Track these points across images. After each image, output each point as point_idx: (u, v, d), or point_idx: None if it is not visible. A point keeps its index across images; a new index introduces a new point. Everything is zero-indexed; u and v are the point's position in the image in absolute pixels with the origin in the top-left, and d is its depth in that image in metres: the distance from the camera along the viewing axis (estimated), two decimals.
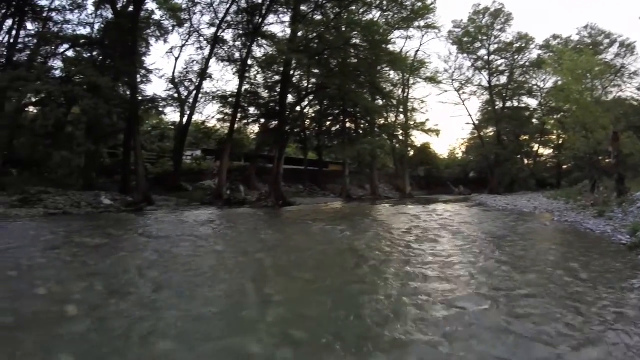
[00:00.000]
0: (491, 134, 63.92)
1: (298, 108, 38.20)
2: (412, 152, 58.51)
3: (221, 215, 22.07)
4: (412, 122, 53.12)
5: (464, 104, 64.44)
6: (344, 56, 32.32)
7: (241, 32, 34.55)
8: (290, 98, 36.56)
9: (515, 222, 18.65)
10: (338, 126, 46.80)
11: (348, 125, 46.81)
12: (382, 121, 48.32)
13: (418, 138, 60.27)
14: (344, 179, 45.88)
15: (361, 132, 46.10)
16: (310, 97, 38.56)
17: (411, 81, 51.46)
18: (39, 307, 6.56)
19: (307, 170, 47.80)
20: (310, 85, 38.48)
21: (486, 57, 60.29)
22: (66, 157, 22.36)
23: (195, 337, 5.41)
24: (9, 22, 28.14)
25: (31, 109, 32.01)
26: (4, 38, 28.27)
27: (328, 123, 47.10)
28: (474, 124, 63.88)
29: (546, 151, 66.56)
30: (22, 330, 5.61)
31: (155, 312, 6.37)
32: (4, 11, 27.72)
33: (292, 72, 34.18)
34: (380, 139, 46.71)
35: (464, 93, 62.05)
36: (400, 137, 52.93)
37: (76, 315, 6.18)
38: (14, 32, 27.85)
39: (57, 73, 27.97)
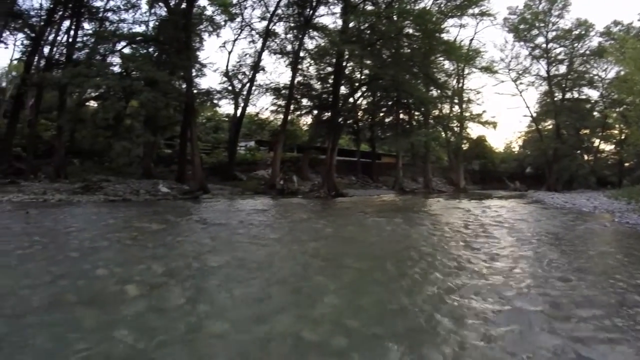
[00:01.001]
0: (550, 127, 60.70)
1: (351, 99, 37.94)
2: (466, 145, 56.94)
3: (275, 204, 22.26)
4: (467, 114, 51.69)
5: (521, 95, 62.42)
6: (397, 46, 31.85)
7: (292, 24, 34.75)
8: (343, 89, 36.33)
9: (574, 222, 17.78)
10: (391, 117, 46.41)
11: (402, 116, 46.27)
12: (436, 112, 47.53)
13: (473, 130, 58.41)
14: (397, 172, 45.41)
15: (415, 123, 45.47)
16: (364, 89, 38.23)
17: (466, 71, 49.92)
18: (100, 287, 6.74)
19: (359, 162, 47.64)
20: (363, 77, 38.22)
21: (544, 45, 57.15)
22: (127, 147, 23.20)
23: (250, 320, 5.39)
24: (66, 23, 29.70)
25: (91, 103, 33.51)
26: (62, 37, 29.80)
27: (381, 114, 46.77)
28: (531, 116, 61.07)
29: (607, 147, 63.24)
30: (84, 308, 5.76)
31: (211, 295, 6.44)
32: (60, 12, 29.19)
33: (344, 64, 34.05)
34: (434, 130, 45.90)
35: (521, 83, 59.37)
36: (455, 129, 51.73)
37: (136, 296, 6.31)
38: (72, 32, 29.18)
39: (116, 69, 28.95)
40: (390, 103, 44.33)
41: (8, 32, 28.94)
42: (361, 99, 41.96)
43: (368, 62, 34.87)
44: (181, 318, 5.45)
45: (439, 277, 7.75)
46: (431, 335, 5.14)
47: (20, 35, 29.77)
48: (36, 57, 29.29)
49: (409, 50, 32.20)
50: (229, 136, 37.95)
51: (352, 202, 26.17)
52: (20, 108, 29.91)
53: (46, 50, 29.64)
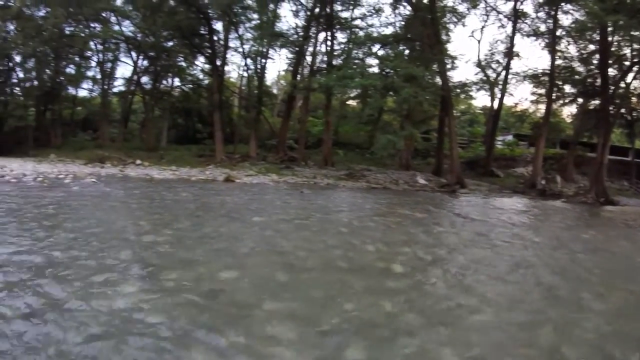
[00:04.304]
0: None
1: (623, 83, 32.69)
2: None
3: (535, 206, 20.72)
4: None
5: None
6: None
7: (541, 0, 31.45)
8: (611, 71, 31.65)
9: None
10: None
11: None
12: None
13: None
14: None
15: None
16: (636, 68, 32.35)
17: None
18: (368, 261, 7.19)
19: (634, 163, 40.58)
20: (634, 53, 32.54)
21: None
22: (392, 140, 24.22)
23: (507, 321, 4.98)
24: (322, 35, 34.06)
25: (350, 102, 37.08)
26: (320, 47, 34.54)
27: None
28: None
29: None
30: (353, 275, 6.20)
31: (471, 287, 6.16)
32: (314, 27, 33.57)
33: (610, 39, 29.54)
34: None
35: None
36: None
37: (400, 273, 6.53)
38: (328, 42, 32.93)
39: (374, 70, 30.81)
40: None
41: (273, 50, 34.95)
42: (634, 81, 35.52)
43: (636, 33, 29.27)
44: (441, 302, 5.43)
45: None
46: None
47: (284, 51, 35.90)
48: (300, 67, 35.01)
49: None
50: (485, 129, 36.75)
51: (623, 212, 22.53)
52: (291, 108, 35.45)
53: (308, 59, 34.92)
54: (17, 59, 34.87)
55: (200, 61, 39.08)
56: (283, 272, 6.09)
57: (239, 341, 3.90)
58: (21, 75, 35.50)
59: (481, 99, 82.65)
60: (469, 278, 6.63)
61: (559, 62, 32.00)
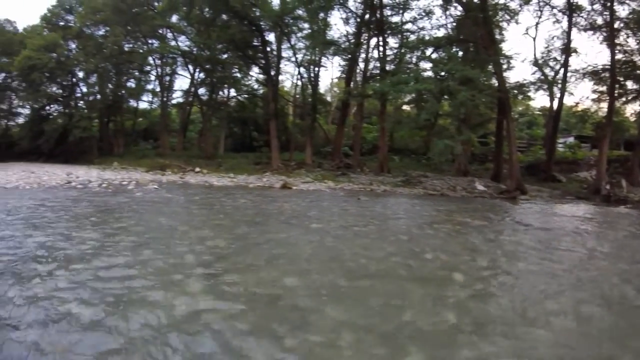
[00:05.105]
0: None
1: None
2: None
3: (600, 213, 19.72)
4: None
5: None
6: None
7: None
8: None
9: None
10: None
11: None
12: None
13: None
14: None
15: None
16: None
17: None
18: (427, 269, 7.08)
19: None
20: None
21: None
22: (449, 145, 23.82)
23: (562, 343, 4.56)
24: (373, 41, 34.40)
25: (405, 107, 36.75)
26: (372, 53, 35.02)
27: None
28: None
29: None
30: (413, 283, 6.15)
31: (527, 300, 5.84)
32: (365, 34, 34.26)
33: None
34: None
35: None
36: None
37: (461, 283, 6.36)
38: (380, 48, 32.86)
39: (428, 73, 30.29)
40: None
41: (325, 58, 36.53)
42: None
43: None
44: (503, 313, 5.26)
45: None
46: None
47: (337, 58, 37.60)
48: (353, 73, 35.84)
49: None
50: (545, 131, 35.54)
51: None
52: (346, 115, 36.02)
53: (361, 65, 35.65)
54: (80, 74, 37.54)
55: (255, 72, 40.54)
56: (343, 278, 6.14)
57: (298, 346, 3.97)
58: (85, 89, 38.29)
59: (540, 100, 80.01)
60: (532, 289, 6.39)
61: (619, 56, 30.03)
